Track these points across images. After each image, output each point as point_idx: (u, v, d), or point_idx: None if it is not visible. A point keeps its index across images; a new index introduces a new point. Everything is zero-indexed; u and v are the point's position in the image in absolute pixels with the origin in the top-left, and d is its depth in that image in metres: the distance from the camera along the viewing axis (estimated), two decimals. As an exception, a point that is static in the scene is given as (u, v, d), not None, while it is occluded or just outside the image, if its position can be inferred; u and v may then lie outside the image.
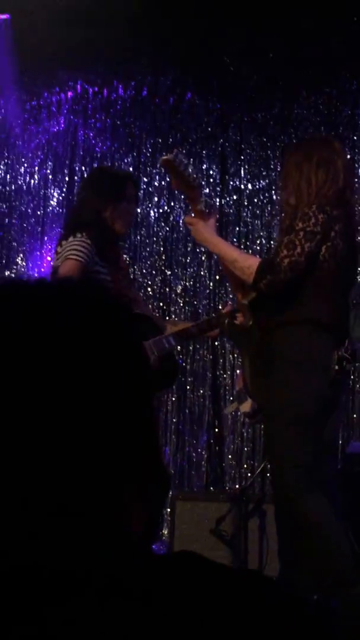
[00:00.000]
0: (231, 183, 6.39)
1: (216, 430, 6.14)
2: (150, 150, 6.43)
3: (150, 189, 6.37)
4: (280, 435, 3.13)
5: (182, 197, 6.31)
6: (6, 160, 6.41)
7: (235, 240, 6.25)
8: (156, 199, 6.39)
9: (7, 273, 6.21)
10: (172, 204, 6.40)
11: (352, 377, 5.87)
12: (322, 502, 3.06)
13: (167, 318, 5.80)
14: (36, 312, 0.83)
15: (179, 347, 5.80)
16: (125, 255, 5.75)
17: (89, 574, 0.77)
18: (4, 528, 0.78)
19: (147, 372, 0.89)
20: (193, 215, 3.33)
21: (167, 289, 6.35)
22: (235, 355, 6.04)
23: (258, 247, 6.22)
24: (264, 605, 0.79)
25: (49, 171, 6.42)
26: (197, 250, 6.28)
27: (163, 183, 6.37)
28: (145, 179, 6.38)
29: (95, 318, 0.85)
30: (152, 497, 0.86)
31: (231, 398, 5.99)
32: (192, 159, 6.42)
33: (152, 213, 6.38)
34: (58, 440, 0.79)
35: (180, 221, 6.35)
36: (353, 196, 3.38)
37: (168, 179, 6.27)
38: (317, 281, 3.14)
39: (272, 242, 5.95)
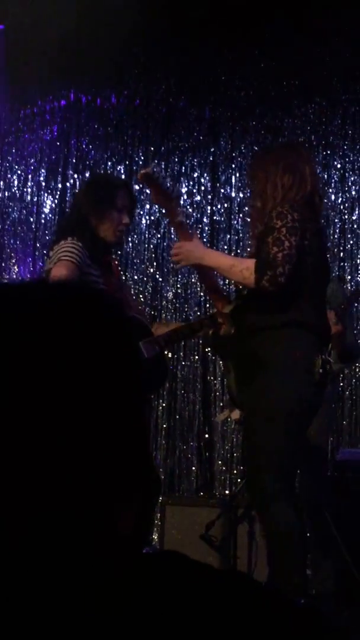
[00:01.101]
0: (222, 191, 6.44)
1: (206, 436, 6.16)
2: (142, 158, 6.46)
3: (142, 196, 6.40)
4: (259, 438, 3.13)
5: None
6: (-1, 168, 6.44)
7: (225, 248, 6.29)
8: (148, 206, 6.42)
9: (-1, 279, 6.23)
10: (164, 211, 6.43)
11: (341, 384, 5.92)
12: (286, 513, 3.05)
13: (158, 320, 5.81)
14: (25, 314, 0.83)
15: (168, 351, 5.84)
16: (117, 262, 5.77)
17: (76, 576, 0.77)
18: None
19: (138, 374, 0.88)
20: (173, 228, 3.33)
21: (158, 296, 6.39)
22: (226, 362, 6.07)
23: (249, 255, 6.25)
24: (249, 606, 0.80)
25: (42, 179, 6.44)
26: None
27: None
28: (137, 187, 6.41)
29: (86, 320, 0.84)
30: (142, 500, 0.85)
31: (221, 404, 6.03)
32: (183, 167, 6.47)
33: (143, 220, 6.42)
34: (45, 443, 0.78)
35: (172, 228, 6.39)
36: (321, 202, 3.42)
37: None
38: (297, 283, 3.13)
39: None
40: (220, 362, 6.18)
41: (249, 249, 6.20)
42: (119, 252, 6.00)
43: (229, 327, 3.33)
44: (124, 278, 6.00)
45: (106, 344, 0.84)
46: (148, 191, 6.36)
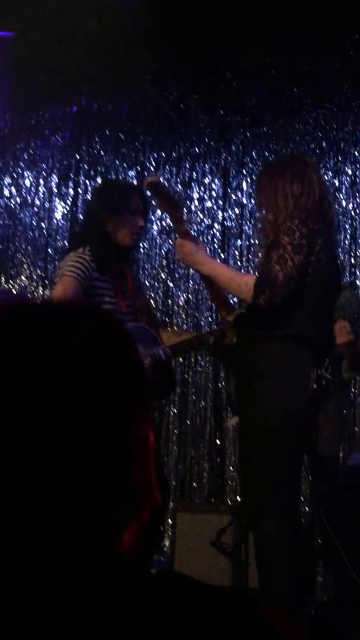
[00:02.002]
0: (233, 197, 6.44)
1: (217, 441, 6.16)
2: (153, 164, 6.48)
3: (153, 202, 6.41)
4: (252, 452, 3.12)
5: (185, 209, 6.37)
6: (11, 174, 6.46)
7: (237, 253, 6.30)
8: (159, 212, 6.43)
9: (11, 286, 6.26)
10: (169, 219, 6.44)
11: (353, 390, 5.91)
12: (278, 531, 3.02)
13: (169, 328, 5.82)
14: (29, 334, 0.84)
15: (180, 359, 5.85)
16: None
17: (74, 588, 0.78)
18: None
19: (143, 390, 0.89)
20: (179, 236, 3.34)
21: (170, 301, 6.40)
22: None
23: (258, 263, 6.26)
24: (250, 630, 0.80)
25: (53, 185, 6.46)
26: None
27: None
28: (148, 193, 6.42)
29: (91, 338, 0.86)
30: (146, 514, 0.86)
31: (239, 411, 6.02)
32: (194, 173, 6.47)
33: (154, 226, 6.42)
34: (50, 455, 0.80)
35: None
36: (331, 208, 3.41)
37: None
38: (301, 296, 3.13)
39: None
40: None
41: (259, 255, 6.24)
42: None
43: (231, 335, 3.32)
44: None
45: (107, 361, 0.85)
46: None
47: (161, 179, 3.13)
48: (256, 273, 3.28)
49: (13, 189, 6.44)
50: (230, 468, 6.07)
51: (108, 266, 3.66)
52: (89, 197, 6.28)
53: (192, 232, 3.31)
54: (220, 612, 0.80)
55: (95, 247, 3.62)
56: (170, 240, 6.42)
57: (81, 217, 6.22)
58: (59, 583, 0.78)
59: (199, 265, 3.32)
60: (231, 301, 3.55)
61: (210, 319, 6.29)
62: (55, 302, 0.93)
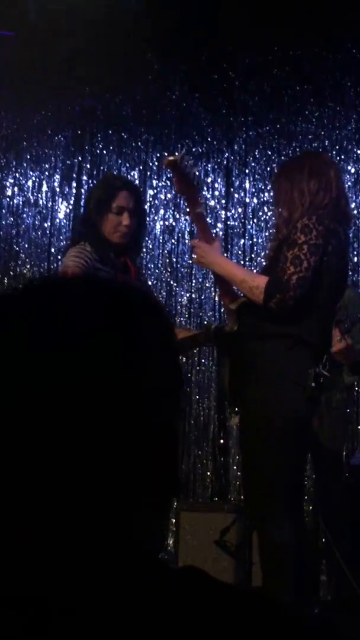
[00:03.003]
0: (236, 196, 6.44)
1: (221, 441, 6.16)
2: (156, 163, 6.48)
3: (156, 201, 6.43)
4: (253, 452, 3.10)
5: (188, 209, 6.37)
6: (14, 174, 6.47)
7: (240, 253, 6.30)
8: (162, 211, 6.44)
9: (13, 285, 6.26)
10: (178, 216, 6.45)
11: (356, 388, 5.90)
12: (285, 529, 3.00)
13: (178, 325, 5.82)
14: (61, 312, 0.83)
15: (183, 359, 5.84)
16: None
17: (97, 584, 0.78)
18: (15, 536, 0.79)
19: (176, 375, 0.88)
20: (191, 217, 3.30)
21: (173, 300, 6.40)
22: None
23: (263, 260, 6.26)
24: (264, 624, 0.80)
25: (56, 184, 6.47)
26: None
27: (169, 196, 6.43)
28: (151, 192, 6.44)
29: (120, 319, 0.84)
30: (162, 505, 0.86)
31: (237, 409, 6.02)
32: (197, 172, 6.46)
33: (157, 225, 6.43)
34: (74, 447, 0.79)
35: (186, 233, 6.40)
36: (348, 205, 3.37)
37: (174, 192, 6.32)
38: (307, 296, 3.09)
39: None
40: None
41: (264, 253, 6.24)
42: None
43: (232, 323, 3.31)
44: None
45: (138, 346, 0.84)
46: (162, 197, 6.44)
47: (185, 158, 3.06)
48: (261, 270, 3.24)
49: (16, 189, 6.44)
50: (234, 467, 6.06)
51: (108, 257, 3.67)
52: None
53: (206, 216, 3.25)
54: (242, 610, 0.81)
55: (92, 243, 3.64)
56: (173, 240, 6.43)
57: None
58: (79, 576, 0.78)
59: (213, 266, 3.29)
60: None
61: (213, 318, 6.28)
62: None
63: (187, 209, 3.35)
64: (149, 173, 6.42)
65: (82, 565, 0.79)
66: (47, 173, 6.47)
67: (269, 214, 6.33)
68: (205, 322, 3.90)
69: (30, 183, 6.46)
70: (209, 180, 6.46)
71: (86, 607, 0.77)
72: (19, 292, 0.86)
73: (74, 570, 0.79)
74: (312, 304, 3.11)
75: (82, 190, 6.43)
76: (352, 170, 6.26)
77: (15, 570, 0.79)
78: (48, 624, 0.76)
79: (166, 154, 6.38)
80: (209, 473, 6.11)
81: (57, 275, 0.91)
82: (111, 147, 6.50)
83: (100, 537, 0.79)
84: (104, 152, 6.50)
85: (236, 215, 6.42)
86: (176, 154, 3.08)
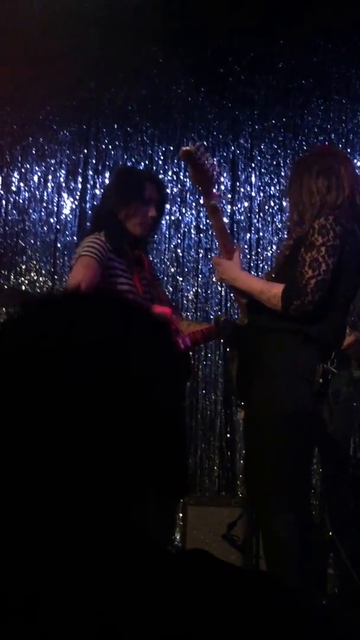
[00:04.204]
0: (242, 190, 6.42)
1: (228, 435, 6.16)
2: (162, 157, 6.47)
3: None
4: (258, 446, 3.09)
5: (194, 203, 6.36)
6: (19, 169, 6.46)
7: (246, 247, 6.28)
8: (168, 205, 6.42)
9: (20, 281, 6.26)
10: (184, 210, 6.44)
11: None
12: (289, 522, 2.98)
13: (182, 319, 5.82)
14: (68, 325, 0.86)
15: (190, 353, 5.84)
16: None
17: (105, 570, 0.79)
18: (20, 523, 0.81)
19: (183, 372, 0.92)
20: (207, 211, 3.28)
21: (179, 295, 6.39)
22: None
23: (269, 254, 6.26)
24: (271, 607, 0.81)
25: (61, 179, 6.46)
26: (209, 256, 6.31)
27: (175, 190, 6.42)
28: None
29: (126, 322, 0.88)
30: (173, 497, 0.89)
31: (243, 403, 6.01)
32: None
33: (163, 220, 6.41)
34: (86, 439, 0.81)
35: (192, 228, 6.40)
36: None
37: (180, 186, 6.31)
38: (325, 298, 3.06)
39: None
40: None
41: (270, 248, 6.23)
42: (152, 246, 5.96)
43: (243, 317, 3.30)
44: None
45: (144, 344, 0.87)
46: (168, 191, 6.42)
47: (200, 149, 3.04)
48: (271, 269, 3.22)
49: (22, 184, 6.44)
50: (241, 461, 6.05)
51: (124, 250, 3.66)
52: (98, 191, 6.29)
53: (221, 208, 3.23)
54: (248, 590, 0.82)
55: (109, 234, 3.63)
56: (179, 234, 6.42)
57: (91, 212, 6.23)
58: (85, 562, 0.79)
59: (233, 282, 3.26)
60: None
61: (220, 312, 6.27)
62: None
63: (202, 201, 3.31)
64: (154, 167, 6.41)
65: (84, 557, 0.80)
66: (52, 168, 6.46)
67: (275, 208, 6.32)
68: (216, 314, 3.90)
69: (35, 178, 6.45)
70: (217, 173, 6.43)
71: (88, 594, 0.78)
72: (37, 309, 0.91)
73: (76, 561, 0.80)
74: (328, 304, 3.08)
75: (88, 186, 6.42)
76: (359, 164, 6.24)
77: (17, 560, 0.80)
78: (49, 611, 0.77)
79: (172, 148, 6.40)
80: (215, 467, 6.11)
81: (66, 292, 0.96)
82: (117, 142, 6.49)
83: (104, 533, 0.81)
84: (110, 147, 6.49)
85: (242, 209, 6.41)
86: (191, 144, 3.06)
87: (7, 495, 0.82)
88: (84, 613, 0.77)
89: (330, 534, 4.04)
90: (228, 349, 6.08)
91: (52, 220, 6.42)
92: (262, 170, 6.38)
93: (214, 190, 3.23)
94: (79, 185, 6.45)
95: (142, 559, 0.81)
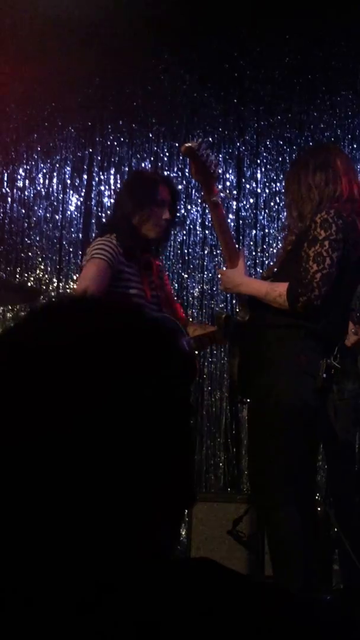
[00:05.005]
0: (247, 186, 6.42)
1: (233, 431, 6.16)
2: (167, 154, 6.47)
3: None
4: (262, 442, 3.08)
5: (199, 200, 6.35)
6: (25, 166, 6.46)
7: (251, 243, 6.27)
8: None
9: (25, 277, 6.26)
10: (189, 207, 6.43)
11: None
12: (293, 517, 2.96)
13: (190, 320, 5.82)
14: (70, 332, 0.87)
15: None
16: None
17: (109, 580, 0.79)
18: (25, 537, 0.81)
19: (189, 380, 0.92)
20: (207, 206, 3.27)
21: (185, 292, 6.39)
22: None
23: (275, 250, 6.25)
24: (279, 620, 0.81)
25: (67, 176, 6.46)
26: (214, 253, 6.31)
27: (180, 187, 6.40)
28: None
29: (139, 338, 0.88)
30: (178, 511, 0.89)
31: (248, 400, 6.01)
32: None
33: (169, 217, 6.41)
34: (95, 454, 0.81)
35: (198, 224, 6.39)
36: None
37: (185, 183, 6.31)
38: (330, 292, 3.04)
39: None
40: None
41: (275, 245, 6.22)
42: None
43: (244, 313, 3.29)
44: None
45: (150, 359, 0.87)
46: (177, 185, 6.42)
47: (203, 145, 3.04)
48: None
49: (27, 181, 6.44)
50: (247, 458, 6.06)
51: (134, 254, 3.66)
52: (103, 188, 6.29)
53: (222, 205, 3.23)
54: (253, 602, 0.81)
55: (121, 237, 3.62)
56: (184, 232, 6.41)
57: (96, 209, 6.24)
58: (88, 573, 0.80)
59: (238, 288, 3.27)
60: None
61: (225, 309, 6.27)
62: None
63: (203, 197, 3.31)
64: (160, 164, 6.41)
65: (88, 568, 0.80)
66: (57, 165, 6.46)
67: (281, 204, 6.31)
68: (216, 313, 3.89)
69: (41, 175, 6.45)
70: (220, 170, 6.43)
71: (91, 606, 0.78)
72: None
73: (79, 572, 0.80)
74: (333, 299, 3.07)
75: (93, 182, 6.42)
76: (348, 157, 6.23)
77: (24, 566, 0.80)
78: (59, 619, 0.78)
79: (177, 145, 6.39)
80: (221, 464, 6.11)
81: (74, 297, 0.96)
82: (122, 139, 6.49)
83: (108, 543, 0.81)
84: (115, 143, 6.49)
85: (247, 205, 6.40)
86: (194, 140, 3.05)
87: (7, 496, 0.82)
88: (85, 626, 0.77)
89: (336, 529, 4.03)
90: (229, 347, 6.10)
91: (57, 217, 6.42)
92: (268, 166, 6.38)
93: (216, 187, 3.22)
94: (85, 182, 6.45)
95: (146, 569, 0.81)
